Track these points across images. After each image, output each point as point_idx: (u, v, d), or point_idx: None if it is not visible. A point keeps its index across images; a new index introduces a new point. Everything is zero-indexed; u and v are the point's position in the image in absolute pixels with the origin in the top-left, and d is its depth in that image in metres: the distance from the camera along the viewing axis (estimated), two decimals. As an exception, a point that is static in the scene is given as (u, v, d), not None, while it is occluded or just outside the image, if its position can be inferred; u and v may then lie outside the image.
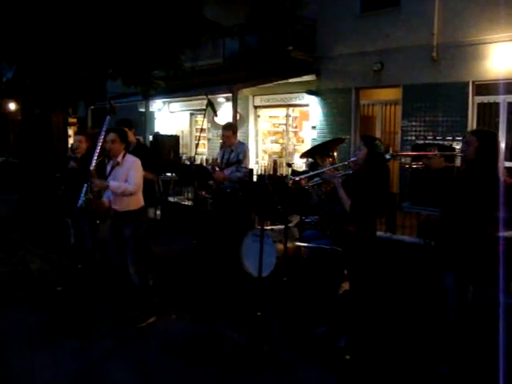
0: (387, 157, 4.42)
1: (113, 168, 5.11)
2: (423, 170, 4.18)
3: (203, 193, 6.78)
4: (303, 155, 5.85)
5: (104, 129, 4.68)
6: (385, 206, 5.29)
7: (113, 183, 5.00)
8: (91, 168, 4.58)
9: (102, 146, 4.77)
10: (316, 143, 10.79)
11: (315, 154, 5.25)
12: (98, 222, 5.04)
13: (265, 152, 16.84)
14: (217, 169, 6.93)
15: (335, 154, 5.14)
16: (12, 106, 20.88)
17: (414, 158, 4.35)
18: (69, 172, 5.88)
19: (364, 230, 4.64)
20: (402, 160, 4.20)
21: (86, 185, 4.41)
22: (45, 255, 7.11)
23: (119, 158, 5.14)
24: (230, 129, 7.10)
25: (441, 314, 5.07)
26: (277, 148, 16.63)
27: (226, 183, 6.91)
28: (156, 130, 17.62)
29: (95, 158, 4.60)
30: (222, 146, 7.27)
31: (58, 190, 5.79)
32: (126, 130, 6.29)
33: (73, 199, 4.81)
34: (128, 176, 5.12)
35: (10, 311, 5.50)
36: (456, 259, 3.87)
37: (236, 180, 6.82)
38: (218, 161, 7.17)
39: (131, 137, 6.37)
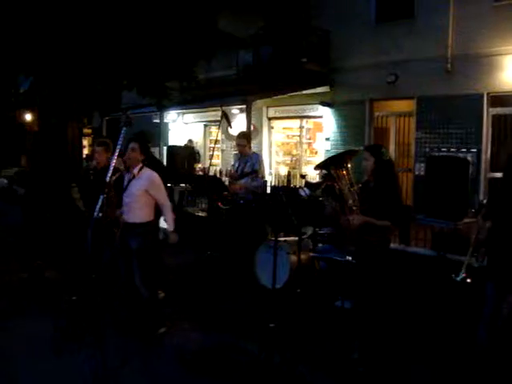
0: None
1: (129, 181, 5.14)
2: None
3: (219, 204, 6.81)
4: (317, 167, 5.82)
5: (120, 140, 4.70)
6: (402, 215, 5.25)
7: (169, 227, 5.23)
8: (107, 179, 4.60)
9: (117, 157, 4.78)
10: (329, 155, 10.77)
11: (329, 165, 5.20)
12: (115, 230, 5.08)
13: (278, 163, 16.84)
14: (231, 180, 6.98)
15: (349, 165, 5.09)
16: (28, 116, 21.11)
17: None
18: (88, 184, 5.90)
19: (383, 242, 4.63)
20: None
21: (101, 196, 4.44)
22: (60, 265, 7.16)
23: (135, 170, 5.14)
24: (244, 137, 7.19)
25: (456, 328, 5.04)
26: (290, 159, 16.63)
27: (240, 194, 6.93)
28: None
29: (111, 169, 4.62)
30: (239, 157, 7.31)
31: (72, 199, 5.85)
32: None
33: (91, 210, 4.84)
34: (155, 195, 5.16)
35: (24, 319, 5.54)
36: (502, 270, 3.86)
37: (252, 189, 6.87)
38: (232, 171, 7.25)
39: None
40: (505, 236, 3.87)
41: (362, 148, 12.63)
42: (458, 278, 3.93)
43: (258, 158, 7.18)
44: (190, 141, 17.29)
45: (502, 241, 3.89)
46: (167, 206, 5.25)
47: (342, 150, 8.06)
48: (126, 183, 5.17)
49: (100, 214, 4.93)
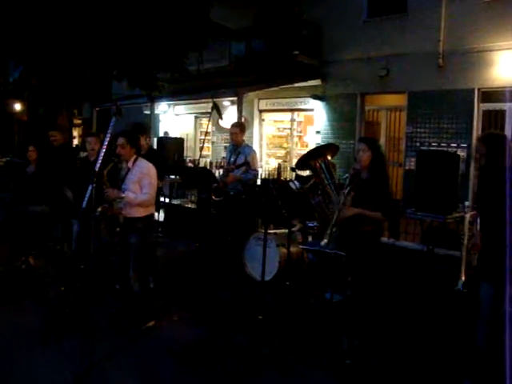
0: None
1: (125, 175, 5.09)
2: None
3: (212, 196, 6.78)
4: (297, 167, 5.63)
5: (109, 131, 4.64)
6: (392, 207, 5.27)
7: (130, 195, 4.96)
8: (96, 169, 4.55)
9: (107, 148, 4.72)
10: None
11: (308, 161, 5.08)
12: (117, 229, 5.03)
13: (269, 156, 16.82)
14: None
15: (329, 157, 5.00)
16: (18, 106, 20.93)
17: None
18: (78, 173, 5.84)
19: (378, 231, 4.63)
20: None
21: (90, 186, 4.40)
22: (49, 255, 7.12)
23: (130, 164, 5.09)
24: (238, 126, 7.25)
25: (444, 322, 5.06)
26: (281, 152, 16.61)
27: (230, 186, 6.91)
28: (165, 131, 17.43)
29: (100, 160, 4.56)
30: (231, 149, 7.29)
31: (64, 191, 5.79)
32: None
33: (80, 201, 4.80)
34: (143, 184, 5.03)
35: (13, 310, 5.50)
36: (495, 269, 3.67)
37: (246, 182, 6.86)
38: (224, 163, 7.25)
39: (143, 142, 6.36)
40: (492, 230, 3.78)
41: (352, 142, 12.68)
42: None
43: (250, 150, 7.17)
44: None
45: (490, 236, 3.82)
46: (145, 196, 5.02)
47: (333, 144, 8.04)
48: (122, 178, 5.11)
49: (99, 210, 4.90)
